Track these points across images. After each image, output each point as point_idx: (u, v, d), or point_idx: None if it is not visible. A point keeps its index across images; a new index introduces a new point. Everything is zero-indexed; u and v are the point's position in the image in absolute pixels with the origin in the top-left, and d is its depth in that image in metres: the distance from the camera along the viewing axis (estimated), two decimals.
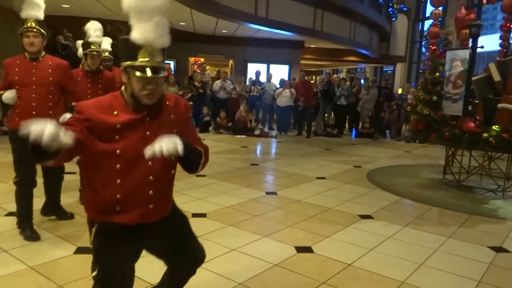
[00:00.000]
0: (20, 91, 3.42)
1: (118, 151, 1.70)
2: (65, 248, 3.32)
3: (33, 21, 3.44)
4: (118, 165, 1.71)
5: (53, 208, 3.96)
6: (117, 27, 11.94)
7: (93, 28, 4.43)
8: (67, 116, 3.57)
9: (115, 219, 1.76)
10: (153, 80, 1.69)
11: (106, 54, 5.74)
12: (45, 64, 3.52)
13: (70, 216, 3.99)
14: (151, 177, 1.78)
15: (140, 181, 1.76)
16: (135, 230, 1.81)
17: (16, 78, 3.44)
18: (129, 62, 1.69)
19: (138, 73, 1.68)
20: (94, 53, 4.33)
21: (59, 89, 3.57)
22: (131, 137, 1.72)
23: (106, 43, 5.78)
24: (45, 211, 3.96)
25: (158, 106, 1.79)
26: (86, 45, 4.35)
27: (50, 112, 3.47)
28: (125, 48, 1.72)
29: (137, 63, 1.68)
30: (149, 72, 1.67)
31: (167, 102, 1.84)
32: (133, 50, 1.69)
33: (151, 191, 1.79)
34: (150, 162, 1.74)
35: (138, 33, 1.66)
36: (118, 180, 1.72)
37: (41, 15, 3.52)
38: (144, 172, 1.76)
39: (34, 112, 3.39)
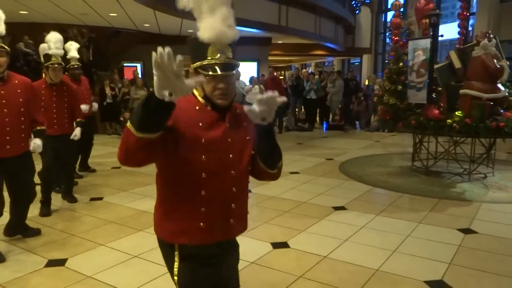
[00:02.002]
0: None
1: (203, 156, 1.52)
2: (35, 261, 3.23)
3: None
4: (203, 174, 1.53)
5: (19, 229, 3.67)
6: (79, 31, 11.67)
7: (53, 40, 4.22)
8: (37, 142, 3.41)
9: (199, 237, 1.57)
10: (224, 78, 1.57)
11: (74, 62, 5.45)
12: (12, 83, 3.26)
13: (37, 231, 3.76)
14: (234, 188, 1.61)
15: (224, 192, 1.59)
16: (213, 251, 1.63)
17: None
18: (198, 63, 1.57)
19: (208, 72, 1.54)
20: (56, 65, 4.16)
21: (28, 110, 3.35)
22: (216, 142, 1.55)
23: (73, 51, 5.46)
24: (9, 232, 3.64)
25: (234, 112, 1.65)
26: (47, 57, 4.18)
27: (23, 135, 3.32)
28: (193, 49, 1.60)
29: (206, 61, 1.55)
30: (219, 70, 1.55)
31: (237, 110, 1.68)
32: (201, 49, 1.56)
33: (233, 204, 1.62)
34: (233, 171, 1.59)
35: (205, 29, 1.55)
36: (203, 192, 1.54)
37: (2, 29, 3.22)
38: (228, 182, 1.59)
39: (8, 137, 3.19)
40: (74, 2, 8.70)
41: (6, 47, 3.21)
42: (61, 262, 3.22)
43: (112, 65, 12.71)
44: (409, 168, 6.52)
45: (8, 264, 3.18)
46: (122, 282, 2.90)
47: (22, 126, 3.31)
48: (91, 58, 12.00)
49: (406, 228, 3.93)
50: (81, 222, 4.18)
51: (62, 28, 10.82)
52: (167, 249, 1.66)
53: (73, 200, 4.81)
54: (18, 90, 3.28)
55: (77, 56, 5.59)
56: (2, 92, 3.19)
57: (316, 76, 13.20)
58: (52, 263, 3.20)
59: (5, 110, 3.17)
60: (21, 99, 3.28)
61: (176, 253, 1.62)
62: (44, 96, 4.16)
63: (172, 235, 1.61)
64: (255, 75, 12.91)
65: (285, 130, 11.41)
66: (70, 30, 11.09)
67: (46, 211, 4.31)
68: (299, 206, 4.66)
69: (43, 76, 4.36)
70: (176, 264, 1.63)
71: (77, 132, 4.52)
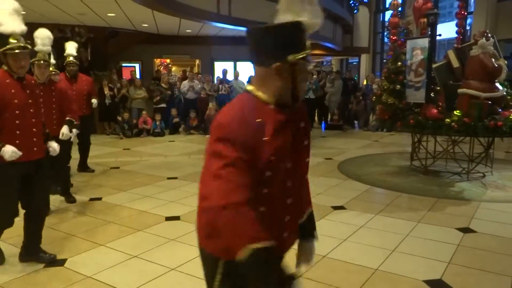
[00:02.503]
0: (19, 116, 2.95)
1: (268, 173, 1.34)
2: (34, 262, 3.22)
3: (19, 36, 2.92)
4: (265, 190, 1.36)
5: (33, 252, 3.25)
6: (77, 31, 11.66)
7: (41, 36, 3.90)
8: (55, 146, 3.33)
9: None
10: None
11: (70, 59, 5.51)
12: (29, 82, 3.10)
13: (53, 257, 3.27)
14: (289, 200, 1.47)
15: (282, 203, 1.45)
16: None
17: (15, 101, 2.94)
18: (300, 54, 1.40)
19: (303, 65, 1.41)
20: (41, 62, 3.89)
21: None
22: (283, 145, 1.38)
23: (71, 48, 5.55)
24: (24, 256, 3.23)
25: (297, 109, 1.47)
26: (33, 53, 3.83)
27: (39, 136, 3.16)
28: (288, 37, 1.41)
29: (305, 52, 1.42)
30: (311, 60, 1.41)
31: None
32: (299, 38, 1.43)
33: (288, 217, 1.50)
34: (289, 183, 1.44)
35: (314, 14, 1.42)
36: (262, 208, 1.37)
37: (23, 26, 2.97)
38: (286, 193, 1.46)
39: (35, 139, 3.07)
40: (72, 2, 8.68)
41: (29, 46, 3.05)
42: (60, 262, 3.21)
43: (111, 65, 12.70)
44: (407, 167, 6.53)
45: (7, 265, 3.17)
46: (121, 282, 2.90)
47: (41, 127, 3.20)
48: (89, 58, 12.00)
49: (405, 228, 3.94)
50: (80, 222, 4.18)
51: (60, 28, 10.85)
52: (211, 262, 1.48)
53: (71, 200, 4.79)
54: (38, 90, 3.24)
55: (74, 53, 5.57)
56: (28, 91, 3.04)
57: (315, 76, 13.20)
58: (51, 263, 3.20)
59: (31, 110, 3.04)
60: (41, 99, 3.27)
61: (218, 272, 1.46)
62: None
63: (228, 252, 1.30)
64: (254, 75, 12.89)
65: None
66: (68, 30, 11.10)
67: None
68: None
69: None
70: (218, 277, 1.46)
71: (63, 130, 4.27)
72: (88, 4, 8.95)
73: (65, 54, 5.46)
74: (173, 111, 11.03)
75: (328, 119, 12.29)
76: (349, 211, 4.47)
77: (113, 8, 9.40)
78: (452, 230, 3.88)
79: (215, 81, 12.54)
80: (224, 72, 12.36)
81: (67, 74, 5.64)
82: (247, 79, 11.82)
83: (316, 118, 12.77)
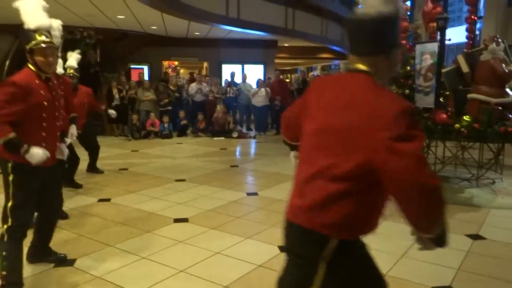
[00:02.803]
0: (46, 119, 2.78)
1: None
2: (43, 262, 3.25)
3: (45, 32, 2.75)
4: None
5: (43, 253, 3.24)
6: (87, 33, 11.74)
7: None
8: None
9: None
10: None
11: (70, 71, 5.18)
12: (53, 82, 2.94)
13: (64, 258, 3.29)
14: None
15: None
16: None
17: (44, 103, 2.74)
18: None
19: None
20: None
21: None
22: None
23: (72, 60, 5.25)
24: (31, 258, 3.19)
25: None
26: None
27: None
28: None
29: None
30: None
31: None
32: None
33: None
34: None
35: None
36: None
37: (49, 21, 2.87)
38: None
39: (57, 142, 2.99)
40: (83, 4, 8.77)
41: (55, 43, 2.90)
42: (69, 263, 3.24)
43: (119, 67, 12.78)
44: None
45: (31, 270, 3.17)
46: (130, 283, 2.92)
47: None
48: (98, 60, 12.09)
49: None
50: (90, 223, 4.21)
51: (70, 30, 10.95)
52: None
53: (64, 216, 4.23)
54: (59, 89, 3.06)
55: (75, 65, 5.32)
56: (53, 92, 2.86)
57: None
58: (61, 263, 3.22)
59: (56, 112, 2.88)
60: (62, 100, 3.07)
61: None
62: None
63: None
64: (262, 78, 12.94)
65: None
66: (78, 32, 11.18)
67: None
68: None
69: None
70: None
71: (72, 131, 4.16)
72: (98, 6, 9.03)
73: (65, 66, 5.12)
74: (181, 113, 11.08)
75: None
76: None
77: (123, 10, 9.48)
78: (461, 237, 3.85)
79: (223, 84, 12.59)
80: (232, 74, 12.40)
81: None
82: (256, 82, 11.85)
83: None
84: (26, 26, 2.75)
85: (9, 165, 2.67)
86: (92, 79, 10.14)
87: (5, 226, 2.70)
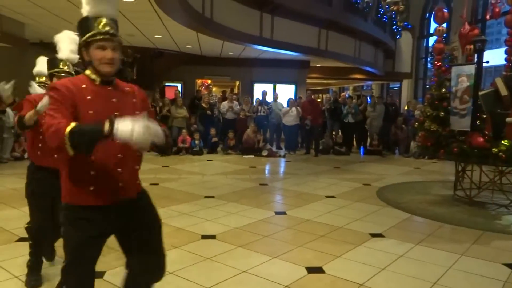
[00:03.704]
0: None
1: None
2: None
3: (109, 21, 2.17)
4: None
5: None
6: (124, 52, 12.15)
7: (66, 40, 3.08)
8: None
9: None
10: None
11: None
12: None
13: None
14: None
15: None
16: None
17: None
18: None
19: None
20: (62, 74, 3.05)
21: None
22: None
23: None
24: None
25: None
26: (53, 62, 3.17)
27: None
28: None
29: None
30: None
31: None
32: None
33: None
34: None
35: None
36: None
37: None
38: None
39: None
40: (123, 24, 9.11)
41: (73, 73, 3.07)
42: (99, 275, 3.28)
43: (155, 84, 13.15)
44: (450, 197, 6.28)
45: (44, 276, 3.26)
46: None
47: None
48: (135, 78, 12.49)
49: (447, 260, 3.77)
50: None
51: None
52: None
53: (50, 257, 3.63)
54: None
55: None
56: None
57: (354, 100, 13.11)
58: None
59: None
60: None
61: None
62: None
63: None
64: (293, 98, 12.98)
65: (322, 153, 11.32)
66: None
67: (35, 279, 3.16)
68: (334, 231, 4.58)
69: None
70: None
71: None
72: (138, 26, 9.38)
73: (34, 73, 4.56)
74: (212, 131, 11.22)
75: (367, 144, 12.11)
76: (388, 239, 4.34)
77: (160, 30, 9.80)
78: (498, 265, 3.68)
79: (254, 103, 12.70)
80: (264, 93, 12.51)
81: None
82: (287, 101, 11.89)
83: (354, 142, 12.61)
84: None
85: None
86: None
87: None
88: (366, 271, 3.48)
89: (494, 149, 5.14)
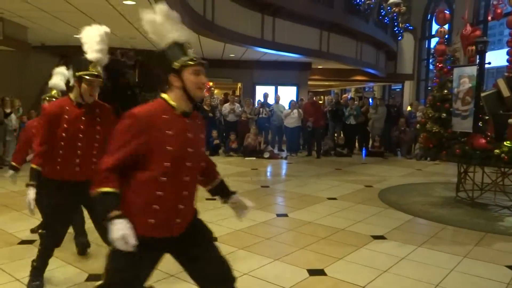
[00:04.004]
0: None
1: None
2: (76, 275, 3.31)
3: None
4: None
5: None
6: (126, 54, 12.17)
7: (95, 38, 2.87)
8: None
9: None
10: None
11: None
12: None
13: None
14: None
15: None
16: None
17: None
18: None
19: None
20: (91, 78, 2.83)
21: None
22: None
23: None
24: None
25: None
26: (81, 64, 2.85)
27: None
28: None
29: None
30: None
31: None
32: None
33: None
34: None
35: None
36: None
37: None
38: None
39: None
40: (125, 27, 9.15)
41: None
42: (101, 278, 3.28)
43: (158, 87, 13.15)
44: (453, 198, 6.26)
45: (49, 277, 3.26)
46: None
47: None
48: (137, 80, 12.50)
49: (450, 262, 3.76)
50: None
51: (111, 51, 11.46)
52: None
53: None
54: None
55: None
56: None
57: (356, 102, 13.10)
58: (92, 277, 3.28)
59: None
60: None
61: None
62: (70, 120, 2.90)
63: None
64: (295, 99, 12.98)
65: (324, 154, 11.31)
66: (118, 52, 11.62)
67: (36, 285, 3.09)
68: (336, 233, 4.57)
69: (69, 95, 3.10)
70: None
71: None
72: (139, 28, 9.39)
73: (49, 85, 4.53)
74: (214, 133, 11.22)
75: (369, 146, 12.09)
76: (389, 241, 4.33)
77: None
78: (501, 268, 3.66)
79: (256, 105, 12.70)
80: (265, 95, 12.52)
81: None
82: (288, 103, 11.89)
83: (356, 144, 12.59)
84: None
85: None
86: (131, 98, 10.47)
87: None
88: (368, 273, 3.47)
89: (496, 151, 5.12)
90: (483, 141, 5.34)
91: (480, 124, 5.64)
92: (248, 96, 14.06)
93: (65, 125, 2.81)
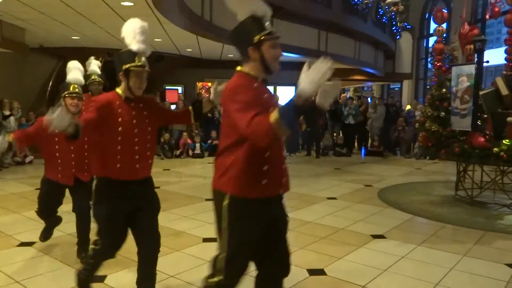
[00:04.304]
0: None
1: None
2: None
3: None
4: None
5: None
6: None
7: (137, 30, 2.80)
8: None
9: None
10: None
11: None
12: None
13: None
14: None
15: None
16: None
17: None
18: None
19: None
20: (141, 69, 2.74)
21: None
22: None
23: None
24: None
25: None
26: (126, 57, 2.76)
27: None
28: None
29: None
30: None
31: None
32: None
33: None
34: None
35: None
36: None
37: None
38: None
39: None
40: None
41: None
42: (100, 279, 3.28)
43: (155, 87, 13.17)
44: (452, 197, 6.27)
45: (47, 280, 3.27)
46: None
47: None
48: None
49: (449, 261, 3.76)
50: None
51: (110, 52, 11.45)
52: None
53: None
54: None
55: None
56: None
57: (355, 101, 13.10)
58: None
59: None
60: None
61: None
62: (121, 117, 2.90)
63: None
64: None
65: (323, 153, 11.31)
66: (115, 53, 11.63)
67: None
68: (336, 232, 4.57)
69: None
70: None
71: None
72: None
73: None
74: (213, 133, 11.22)
75: (368, 145, 12.09)
76: (389, 241, 4.33)
77: (160, 34, 9.81)
78: (501, 266, 3.67)
79: None
80: None
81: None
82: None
83: (355, 143, 12.60)
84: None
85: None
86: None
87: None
88: (368, 273, 3.47)
89: (495, 149, 5.13)
90: (482, 139, 5.35)
91: (478, 122, 5.64)
92: None
93: (120, 119, 2.59)
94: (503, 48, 6.77)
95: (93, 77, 4.76)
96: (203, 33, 9.28)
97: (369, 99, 14.22)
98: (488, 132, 5.51)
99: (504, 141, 5.15)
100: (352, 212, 5.45)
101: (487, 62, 5.83)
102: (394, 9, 15.00)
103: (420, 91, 17.78)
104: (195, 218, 5.03)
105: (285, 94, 14.39)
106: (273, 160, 2.05)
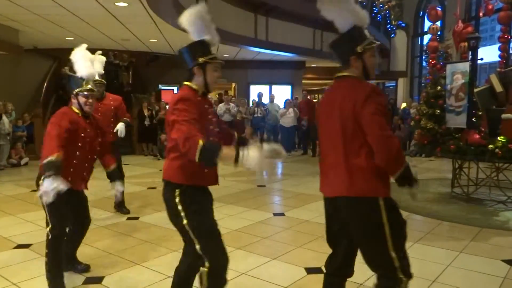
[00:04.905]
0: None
1: None
2: (73, 279, 3.30)
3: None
4: None
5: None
6: (120, 56, 12.16)
7: (206, 19, 2.58)
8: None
9: None
10: None
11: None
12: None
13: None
14: None
15: None
16: None
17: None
18: None
19: None
20: (220, 61, 2.60)
21: None
22: None
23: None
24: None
25: None
26: (202, 47, 2.59)
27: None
28: None
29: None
30: None
31: None
32: None
33: None
34: None
35: None
36: None
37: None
38: None
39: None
40: (118, 29, 9.12)
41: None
42: (98, 280, 3.28)
43: (150, 88, 13.14)
44: (448, 194, 6.30)
45: (44, 282, 3.23)
46: None
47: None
48: (130, 81, 12.48)
49: (446, 257, 3.78)
50: (118, 240, 4.27)
51: (104, 53, 11.46)
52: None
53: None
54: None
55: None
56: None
57: None
58: (89, 280, 3.28)
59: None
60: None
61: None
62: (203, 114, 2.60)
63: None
64: (289, 98, 12.99)
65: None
66: (112, 54, 11.61)
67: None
68: None
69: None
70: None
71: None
72: (132, 30, 9.37)
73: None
74: None
75: None
76: None
77: (155, 34, 9.80)
78: (497, 262, 3.69)
79: (251, 104, 12.70)
80: (260, 95, 12.52)
81: None
82: (283, 102, 11.90)
83: None
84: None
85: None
86: (124, 100, 10.48)
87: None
88: (366, 271, 3.45)
89: (490, 146, 5.16)
90: (477, 136, 5.37)
91: (473, 119, 5.67)
92: (243, 96, 14.05)
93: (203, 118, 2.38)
94: (497, 46, 6.83)
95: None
96: None
97: None
98: (483, 129, 5.54)
99: (499, 138, 5.18)
100: None
101: (481, 59, 5.87)
102: (386, 6, 15.03)
103: (415, 89, 17.84)
104: None
105: (280, 93, 14.41)
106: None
